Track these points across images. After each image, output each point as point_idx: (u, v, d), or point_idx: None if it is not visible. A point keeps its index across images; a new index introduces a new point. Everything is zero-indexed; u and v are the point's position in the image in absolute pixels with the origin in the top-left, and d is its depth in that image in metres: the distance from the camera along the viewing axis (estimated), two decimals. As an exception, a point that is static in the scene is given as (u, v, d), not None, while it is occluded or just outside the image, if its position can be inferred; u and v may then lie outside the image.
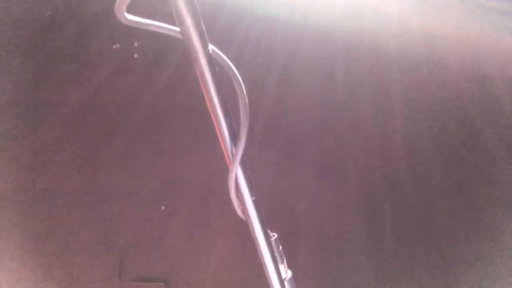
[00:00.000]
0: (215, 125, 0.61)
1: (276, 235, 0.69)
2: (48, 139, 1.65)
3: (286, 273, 0.72)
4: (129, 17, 0.57)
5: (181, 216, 1.66)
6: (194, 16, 0.54)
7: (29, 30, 1.61)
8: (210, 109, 0.60)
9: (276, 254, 0.69)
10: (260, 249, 0.67)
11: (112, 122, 1.64)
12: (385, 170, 1.59)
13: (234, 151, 0.61)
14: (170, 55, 1.60)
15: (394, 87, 1.57)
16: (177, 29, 0.57)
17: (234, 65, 0.61)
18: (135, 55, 1.61)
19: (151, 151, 1.64)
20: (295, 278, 0.73)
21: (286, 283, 0.71)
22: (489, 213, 1.57)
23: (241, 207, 0.65)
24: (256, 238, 0.66)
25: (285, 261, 0.71)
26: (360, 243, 1.62)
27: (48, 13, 1.60)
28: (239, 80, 0.61)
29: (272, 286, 0.69)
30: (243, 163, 0.62)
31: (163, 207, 1.66)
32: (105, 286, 1.68)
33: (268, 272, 0.68)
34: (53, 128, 1.65)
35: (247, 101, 0.61)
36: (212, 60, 0.58)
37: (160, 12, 1.52)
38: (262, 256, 0.67)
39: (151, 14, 1.49)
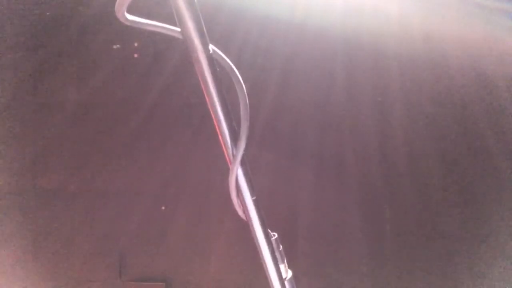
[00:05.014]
0: (216, 125, 0.61)
1: (276, 235, 0.69)
2: (48, 139, 1.65)
3: (287, 273, 0.72)
4: (129, 17, 0.57)
5: (181, 216, 1.66)
6: (195, 16, 0.54)
7: (29, 30, 1.61)
8: (210, 109, 0.60)
9: (277, 254, 0.69)
10: (260, 249, 0.67)
11: (112, 122, 1.64)
12: (385, 170, 1.59)
13: (234, 151, 0.61)
14: (170, 55, 1.60)
15: (394, 87, 1.57)
16: (177, 29, 0.57)
17: (234, 65, 0.61)
18: (135, 55, 1.61)
19: (151, 151, 1.64)
20: (295, 278, 0.73)
21: (286, 283, 0.71)
22: (489, 213, 1.57)
23: (241, 207, 0.65)
24: (256, 238, 0.66)
25: (285, 260, 0.71)
26: (360, 243, 1.62)
27: (48, 13, 1.60)
28: (239, 80, 0.61)
29: (273, 286, 0.69)
30: (243, 163, 0.63)
31: (163, 207, 1.66)
32: (105, 286, 1.68)
33: (268, 272, 0.68)
34: (53, 128, 1.65)
35: (247, 101, 0.62)
36: (212, 60, 0.58)
37: (160, 12, 1.52)
38: (263, 256, 0.67)
39: (151, 15, 1.49)
